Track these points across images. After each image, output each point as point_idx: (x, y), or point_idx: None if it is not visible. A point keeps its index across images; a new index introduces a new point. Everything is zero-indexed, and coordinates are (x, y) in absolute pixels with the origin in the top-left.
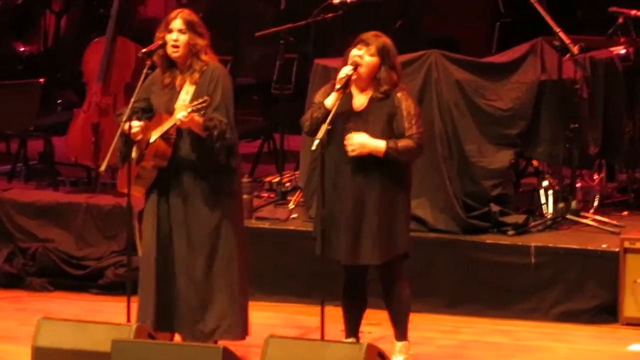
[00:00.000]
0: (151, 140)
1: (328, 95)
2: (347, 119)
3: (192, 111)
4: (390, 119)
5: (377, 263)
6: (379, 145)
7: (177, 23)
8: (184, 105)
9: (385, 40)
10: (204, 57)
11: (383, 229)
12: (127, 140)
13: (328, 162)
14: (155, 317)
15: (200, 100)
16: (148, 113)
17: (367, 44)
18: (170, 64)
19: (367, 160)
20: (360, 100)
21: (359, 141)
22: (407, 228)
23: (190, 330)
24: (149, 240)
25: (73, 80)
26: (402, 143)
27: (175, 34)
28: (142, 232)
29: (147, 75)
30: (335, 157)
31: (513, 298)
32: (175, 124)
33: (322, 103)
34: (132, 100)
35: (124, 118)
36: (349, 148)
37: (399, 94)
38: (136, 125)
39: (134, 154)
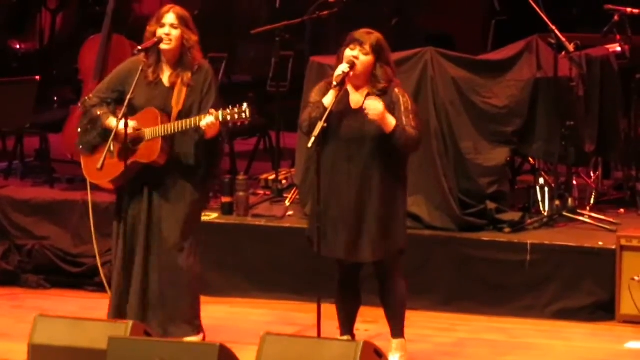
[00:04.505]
0: (147, 137)
1: (324, 93)
2: (344, 117)
3: (225, 119)
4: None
5: (375, 259)
6: (391, 120)
7: (169, 18)
8: (213, 110)
9: (378, 36)
10: (195, 53)
11: (382, 226)
12: (105, 132)
13: (325, 159)
14: (126, 313)
15: (237, 111)
16: (118, 104)
17: (360, 43)
18: (157, 59)
19: (365, 158)
20: (356, 98)
21: (380, 107)
22: (404, 224)
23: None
24: (128, 237)
25: (69, 77)
26: (408, 129)
27: (168, 28)
28: (120, 228)
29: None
30: (333, 155)
31: (509, 295)
32: (186, 127)
33: (320, 102)
34: (128, 97)
35: (120, 115)
36: (370, 112)
37: (396, 90)
38: (132, 126)
39: (112, 148)
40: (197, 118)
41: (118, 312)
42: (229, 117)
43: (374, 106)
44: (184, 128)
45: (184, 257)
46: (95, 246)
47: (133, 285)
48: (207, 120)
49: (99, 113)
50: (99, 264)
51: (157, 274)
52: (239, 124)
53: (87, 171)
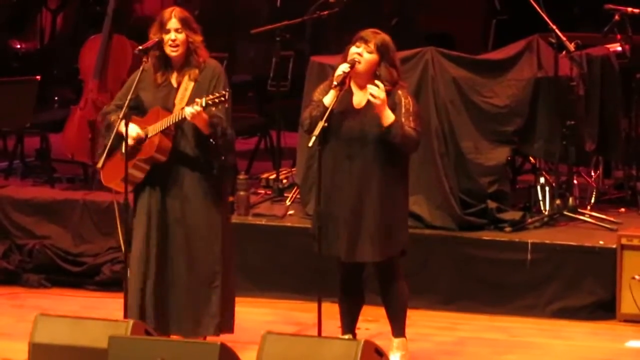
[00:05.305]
0: (149, 134)
1: (327, 92)
2: (346, 116)
3: (207, 104)
4: None
5: (376, 260)
6: (390, 114)
7: (173, 22)
8: (197, 99)
9: (384, 37)
10: (201, 53)
11: (382, 226)
12: (119, 136)
13: (326, 159)
14: (143, 316)
15: (217, 95)
16: (133, 110)
17: (365, 41)
18: (165, 63)
19: (366, 157)
20: (359, 97)
21: (382, 95)
22: (406, 225)
23: (187, 328)
24: (142, 237)
25: (69, 77)
26: (407, 128)
27: (173, 34)
28: (134, 229)
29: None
30: (334, 154)
31: (510, 294)
32: (180, 118)
33: (320, 101)
34: (128, 98)
35: (120, 115)
36: (373, 95)
37: (400, 91)
38: (133, 132)
39: (122, 149)
40: (184, 108)
41: (138, 311)
42: (210, 102)
43: (377, 92)
44: (176, 120)
45: (204, 253)
46: (123, 246)
47: (148, 286)
48: (191, 109)
49: (112, 119)
50: (126, 264)
51: (178, 272)
52: (220, 106)
53: (105, 177)
